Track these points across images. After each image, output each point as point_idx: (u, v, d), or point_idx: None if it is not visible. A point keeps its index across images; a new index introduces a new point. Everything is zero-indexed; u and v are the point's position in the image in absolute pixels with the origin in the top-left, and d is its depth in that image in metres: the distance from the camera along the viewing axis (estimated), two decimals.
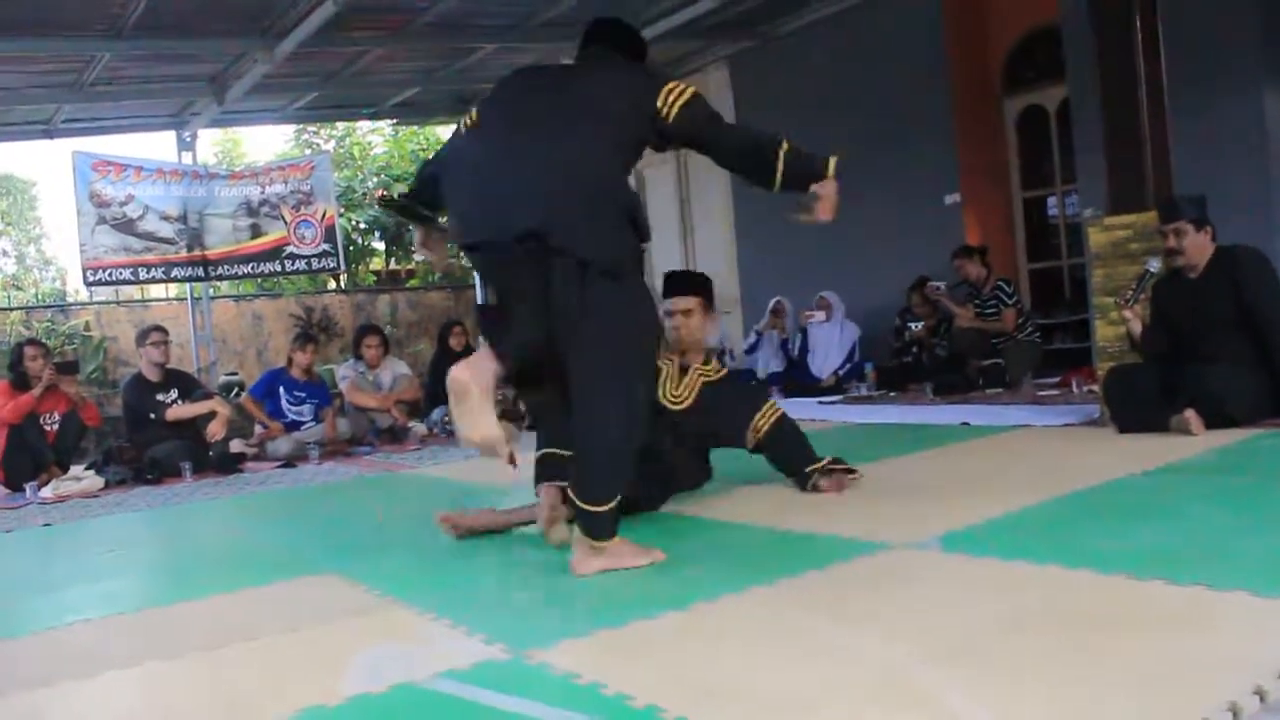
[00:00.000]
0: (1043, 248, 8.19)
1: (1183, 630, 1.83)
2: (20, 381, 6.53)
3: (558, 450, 2.95)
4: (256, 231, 9.73)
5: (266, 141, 40.19)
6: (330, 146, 14.47)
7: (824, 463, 3.59)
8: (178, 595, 3.06)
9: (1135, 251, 4.65)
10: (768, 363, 8.42)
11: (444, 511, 3.37)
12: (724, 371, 3.84)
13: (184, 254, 9.41)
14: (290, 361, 7.52)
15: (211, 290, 10.59)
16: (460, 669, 2.00)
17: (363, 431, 7.52)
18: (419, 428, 7.62)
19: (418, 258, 9.15)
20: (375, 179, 14.57)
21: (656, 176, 10.85)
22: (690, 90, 2.78)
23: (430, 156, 3.39)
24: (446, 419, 7.24)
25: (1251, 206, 5.67)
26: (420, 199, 2.98)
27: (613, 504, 2.60)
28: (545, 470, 3.00)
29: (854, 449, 4.02)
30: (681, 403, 3.62)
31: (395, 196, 3.12)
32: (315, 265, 10.12)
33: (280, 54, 7.43)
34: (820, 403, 7.21)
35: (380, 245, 14.93)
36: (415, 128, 14.17)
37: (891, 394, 7.26)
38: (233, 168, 11.90)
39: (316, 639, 2.37)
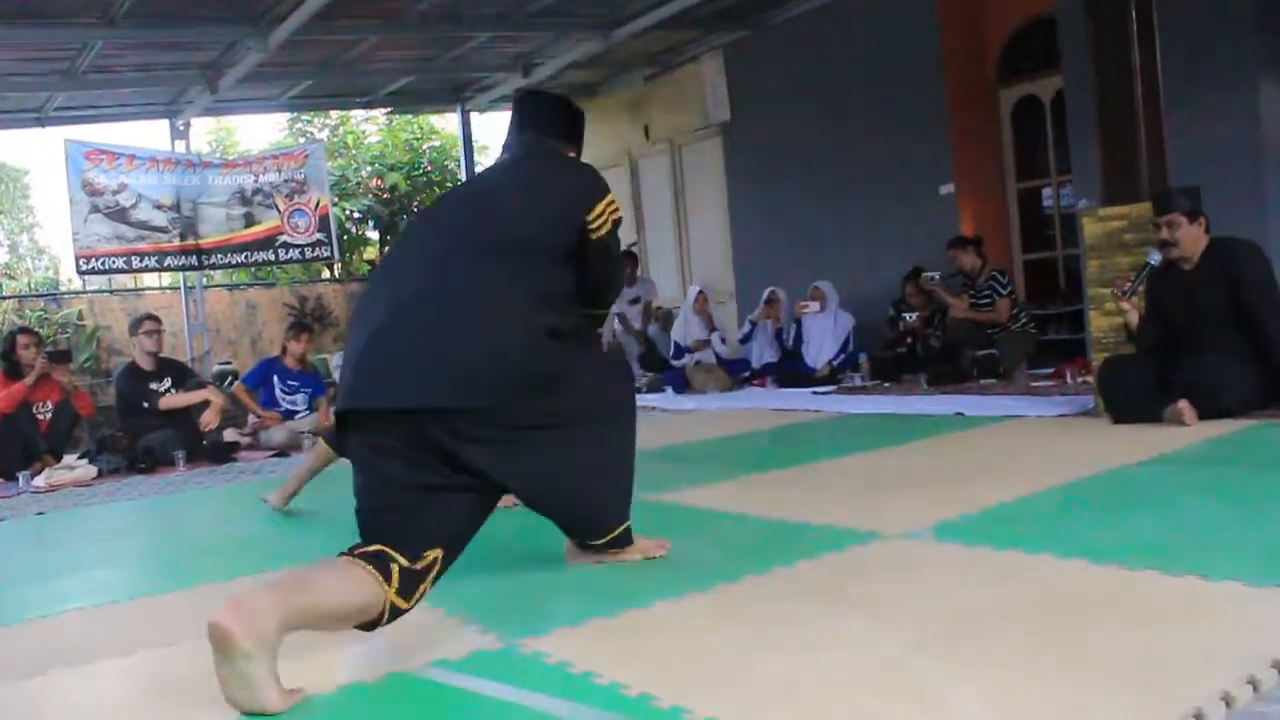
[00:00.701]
0: (1037, 238, 8.19)
1: (1176, 620, 1.84)
2: (13, 370, 6.52)
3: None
4: (250, 220, 9.70)
5: (260, 130, 40.09)
6: (324, 135, 14.41)
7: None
8: (170, 584, 3.06)
9: (1130, 242, 4.65)
10: (762, 353, 8.42)
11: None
12: None
13: (177, 243, 9.38)
14: (284, 350, 7.49)
15: (205, 279, 10.56)
16: (453, 658, 2.00)
17: None
18: None
19: None
20: (369, 168, 14.54)
21: (650, 167, 10.84)
22: (618, 213, 2.54)
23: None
24: None
25: (1245, 197, 5.67)
26: None
27: (627, 523, 2.62)
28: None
29: (848, 439, 4.02)
30: None
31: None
32: (309, 254, 10.09)
33: (274, 42, 7.39)
34: (814, 393, 7.21)
35: (374, 235, 14.89)
36: (409, 116, 14.13)
37: (886, 384, 7.27)
38: (226, 156, 11.86)
39: None
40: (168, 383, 6.81)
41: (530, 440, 2.28)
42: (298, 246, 9.88)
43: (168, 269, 9.94)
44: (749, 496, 3.48)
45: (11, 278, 17.17)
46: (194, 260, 9.54)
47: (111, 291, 11.68)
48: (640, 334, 9.56)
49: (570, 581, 2.53)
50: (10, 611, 2.87)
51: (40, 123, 9.42)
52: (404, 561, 2.04)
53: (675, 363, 8.62)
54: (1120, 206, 4.74)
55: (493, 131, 18.63)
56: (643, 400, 8.04)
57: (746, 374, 8.47)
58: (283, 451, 6.73)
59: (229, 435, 6.98)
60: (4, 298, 11.61)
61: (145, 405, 6.68)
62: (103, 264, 9.15)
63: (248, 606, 1.79)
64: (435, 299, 2.23)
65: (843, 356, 7.94)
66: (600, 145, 11.13)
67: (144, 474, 6.24)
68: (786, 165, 9.00)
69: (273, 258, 9.94)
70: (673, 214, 10.66)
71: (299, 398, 7.39)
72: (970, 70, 7.99)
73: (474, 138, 11.60)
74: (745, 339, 8.56)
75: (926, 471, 3.73)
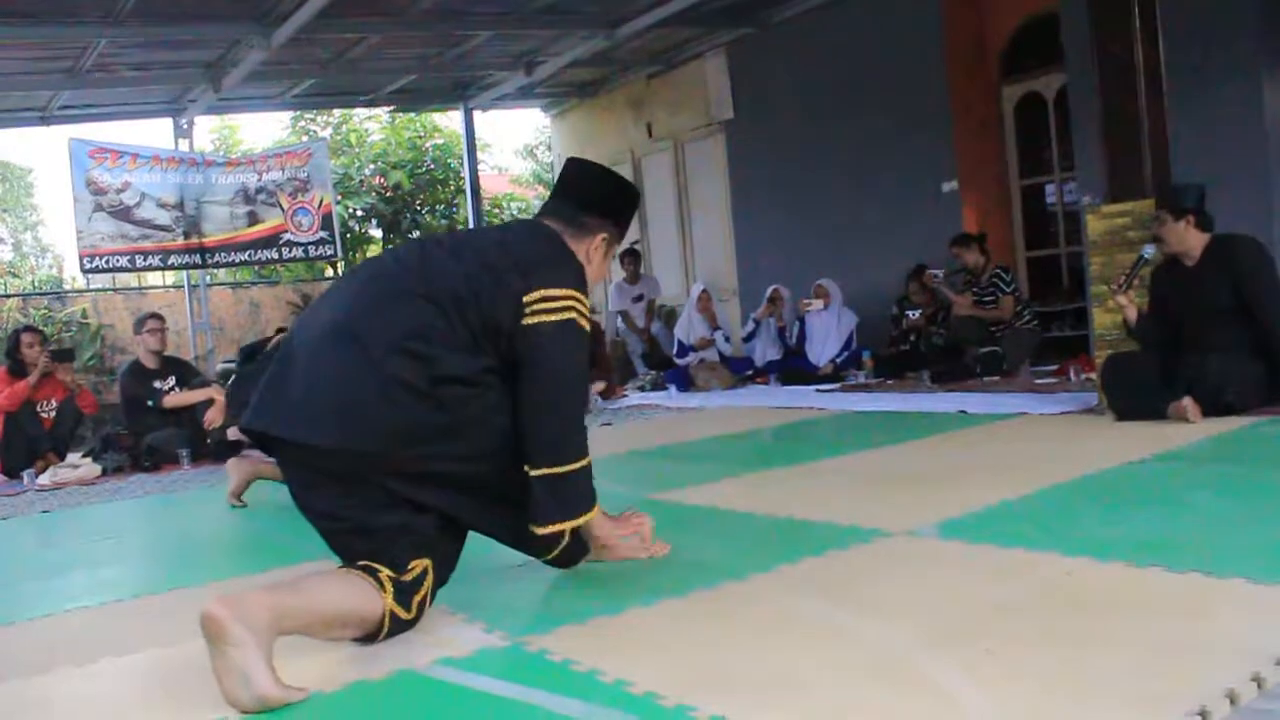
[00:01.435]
0: (1041, 235, 8.18)
1: (1180, 617, 1.84)
2: (17, 369, 6.55)
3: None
4: (253, 219, 9.71)
5: (263, 128, 40.12)
6: (327, 133, 14.41)
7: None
8: (175, 582, 3.07)
9: (1133, 239, 4.64)
10: (765, 351, 8.42)
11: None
12: None
13: (181, 241, 9.40)
14: None
15: (208, 277, 10.58)
16: (459, 656, 2.00)
17: None
18: None
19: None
20: (372, 166, 14.54)
21: (653, 165, 10.84)
22: (571, 314, 2.23)
23: None
24: None
25: (1250, 192, 5.66)
26: None
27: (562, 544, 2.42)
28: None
29: (851, 437, 4.02)
30: None
31: None
32: (312, 253, 10.10)
33: (277, 41, 7.40)
34: (818, 391, 7.21)
35: (377, 233, 14.90)
36: (412, 115, 14.14)
37: (889, 382, 7.26)
38: (230, 155, 11.87)
39: None
40: (172, 381, 6.81)
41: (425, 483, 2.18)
42: (301, 245, 9.89)
43: (171, 267, 9.95)
44: (752, 495, 3.48)
45: (16, 276, 17.20)
46: (198, 259, 9.55)
47: (115, 290, 11.70)
48: (643, 332, 9.57)
49: (575, 579, 2.53)
50: (15, 610, 2.88)
51: (44, 121, 9.44)
52: (390, 573, 2.06)
53: (678, 361, 8.62)
54: (1124, 203, 4.73)
55: (495, 129, 18.63)
56: (646, 398, 8.04)
57: (749, 372, 8.47)
58: None
59: (233, 434, 6.96)
60: (8, 296, 11.63)
61: (149, 404, 6.69)
62: (107, 262, 9.16)
63: (240, 599, 1.82)
64: (336, 337, 2.16)
65: (846, 354, 7.94)
66: (603, 143, 11.14)
67: (148, 472, 6.25)
68: (789, 163, 9.00)
69: (276, 256, 9.95)
70: (676, 212, 10.66)
71: None
72: (973, 67, 7.98)
73: (476, 135, 11.61)
74: (748, 337, 8.56)
75: (930, 469, 3.73)
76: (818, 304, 8.02)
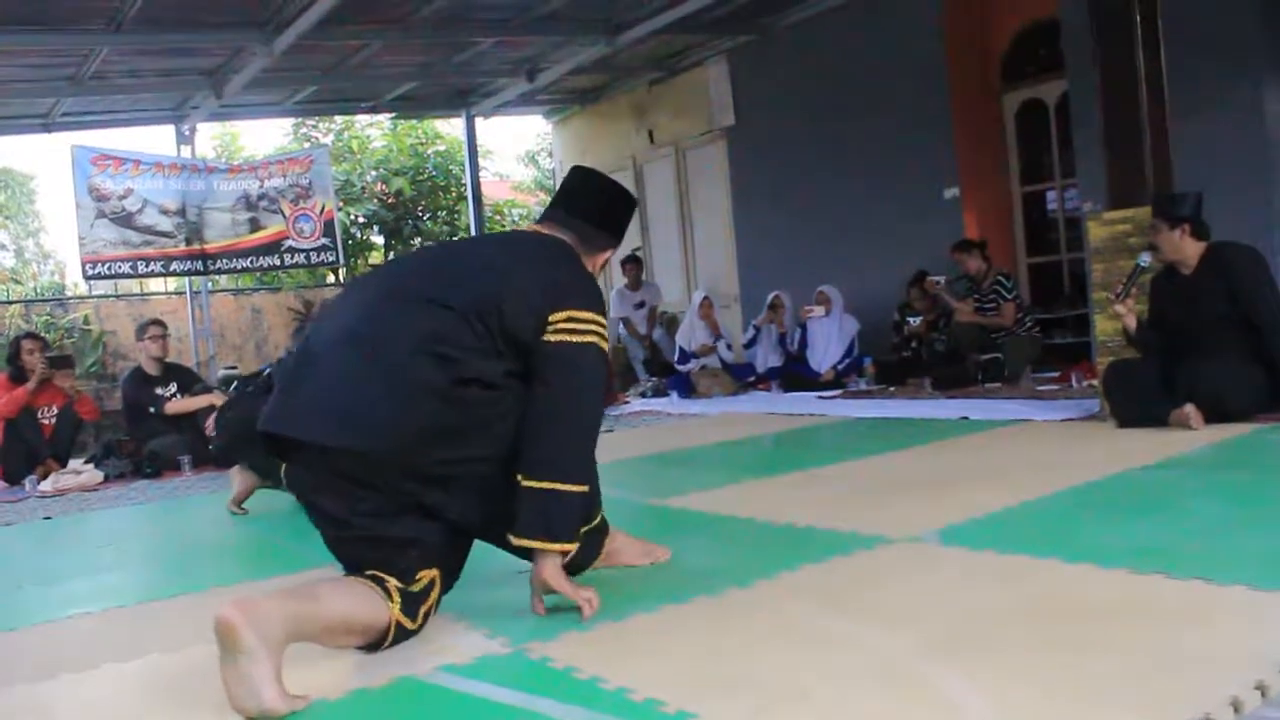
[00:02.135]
0: (1042, 242, 8.19)
1: (1183, 624, 1.83)
2: (18, 375, 6.56)
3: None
4: (255, 225, 9.71)
5: (265, 135, 40.18)
6: (329, 140, 14.41)
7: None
8: (177, 588, 3.07)
9: (1134, 246, 4.64)
10: (766, 357, 8.42)
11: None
12: None
13: (183, 248, 9.39)
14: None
15: (210, 284, 10.57)
16: (460, 663, 2.00)
17: None
18: None
19: None
20: (373, 172, 14.55)
21: (655, 171, 10.84)
22: (592, 337, 2.23)
23: None
24: None
25: (1251, 200, 5.66)
26: None
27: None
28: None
29: (853, 443, 4.02)
30: None
31: None
32: (314, 259, 10.10)
33: (279, 48, 7.40)
34: (819, 397, 7.20)
35: (379, 239, 14.91)
36: (414, 121, 14.15)
37: (890, 388, 7.26)
38: (231, 161, 11.89)
39: None
40: (173, 388, 6.82)
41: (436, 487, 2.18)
42: (303, 251, 9.89)
43: (173, 274, 9.93)
44: (754, 501, 3.47)
45: (18, 282, 17.22)
46: (199, 265, 9.55)
47: (117, 296, 11.70)
48: (645, 338, 9.57)
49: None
50: (18, 616, 2.88)
51: (47, 128, 9.45)
52: (398, 583, 2.07)
53: (680, 367, 8.63)
54: (1125, 210, 4.74)
55: (497, 136, 18.68)
56: (648, 405, 8.04)
57: (751, 378, 8.47)
58: None
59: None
60: (10, 302, 11.63)
61: (151, 410, 6.69)
62: (109, 269, 9.16)
63: (254, 605, 1.81)
64: (352, 341, 2.18)
65: (847, 360, 7.93)
66: (604, 150, 11.16)
67: (150, 479, 6.25)
68: (791, 170, 9.00)
69: (278, 262, 9.94)
70: (677, 218, 10.66)
71: None
72: (974, 74, 7.99)
73: (478, 142, 11.62)
74: (750, 343, 8.56)
75: (932, 476, 3.73)
76: (819, 310, 8.02)
